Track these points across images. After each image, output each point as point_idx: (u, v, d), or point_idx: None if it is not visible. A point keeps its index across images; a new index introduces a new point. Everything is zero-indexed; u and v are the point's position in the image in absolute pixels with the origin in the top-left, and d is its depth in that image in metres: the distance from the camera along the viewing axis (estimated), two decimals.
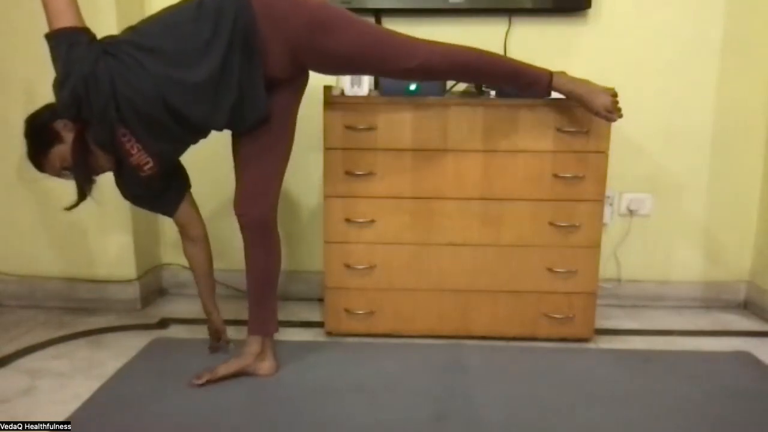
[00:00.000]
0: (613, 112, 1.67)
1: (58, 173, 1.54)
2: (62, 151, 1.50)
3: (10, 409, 1.51)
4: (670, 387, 1.66)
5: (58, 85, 1.42)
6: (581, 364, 1.80)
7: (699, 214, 2.32)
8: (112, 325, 2.09)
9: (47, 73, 2.11)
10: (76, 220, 2.22)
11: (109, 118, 1.44)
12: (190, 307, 2.29)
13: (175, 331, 2.06)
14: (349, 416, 1.49)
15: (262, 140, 1.61)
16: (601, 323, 2.10)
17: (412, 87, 1.88)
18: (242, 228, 1.65)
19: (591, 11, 2.18)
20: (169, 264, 2.46)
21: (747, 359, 1.85)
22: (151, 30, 1.49)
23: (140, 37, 1.47)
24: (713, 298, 2.37)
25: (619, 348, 1.93)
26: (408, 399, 1.57)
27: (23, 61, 2.14)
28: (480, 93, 1.99)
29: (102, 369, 1.73)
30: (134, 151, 1.52)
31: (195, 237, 1.77)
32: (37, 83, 2.15)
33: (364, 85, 1.87)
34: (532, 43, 2.22)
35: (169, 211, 1.75)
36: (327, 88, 1.85)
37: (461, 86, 2.13)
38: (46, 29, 2.12)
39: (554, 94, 1.91)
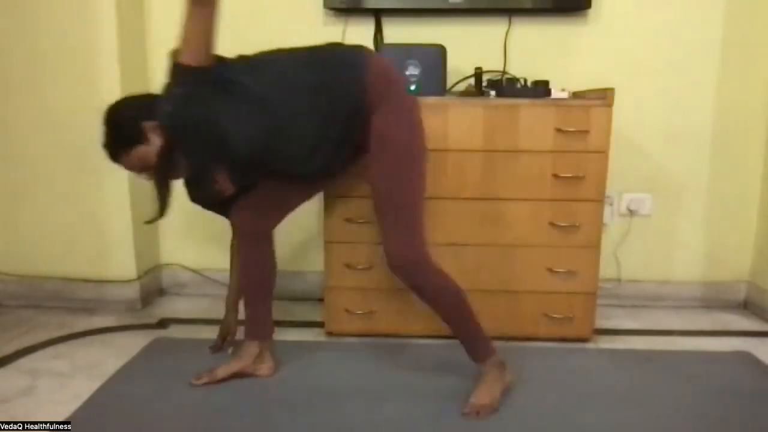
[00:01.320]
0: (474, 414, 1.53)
1: (135, 171, 1.55)
2: (145, 152, 1.49)
3: (10, 409, 1.51)
4: (670, 387, 1.66)
5: (168, 103, 1.42)
6: (581, 364, 1.79)
7: (699, 214, 2.33)
8: (112, 325, 2.09)
9: (48, 73, 2.13)
10: (76, 221, 2.23)
11: (208, 151, 1.49)
12: (190, 307, 2.30)
13: (175, 331, 2.06)
14: (348, 416, 1.49)
15: (304, 186, 1.71)
16: (601, 323, 2.10)
17: (413, 87, 1.88)
18: (240, 235, 1.67)
19: (591, 11, 2.18)
20: (169, 264, 2.46)
21: (747, 359, 1.85)
22: (267, 77, 1.46)
23: (257, 81, 1.44)
24: (713, 298, 2.37)
25: (619, 348, 1.93)
26: (408, 399, 1.57)
27: (23, 61, 2.14)
28: (480, 93, 1.99)
29: (102, 369, 1.73)
30: (220, 180, 1.57)
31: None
32: (38, 84, 2.15)
33: None
34: (532, 43, 2.22)
35: (228, 215, 1.76)
36: None
37: (461, 86, 2.14)
38: (46, 29, 2.13)
39: (555, 94, 1.92)
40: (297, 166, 1.52)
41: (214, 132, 1.43)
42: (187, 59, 1.38)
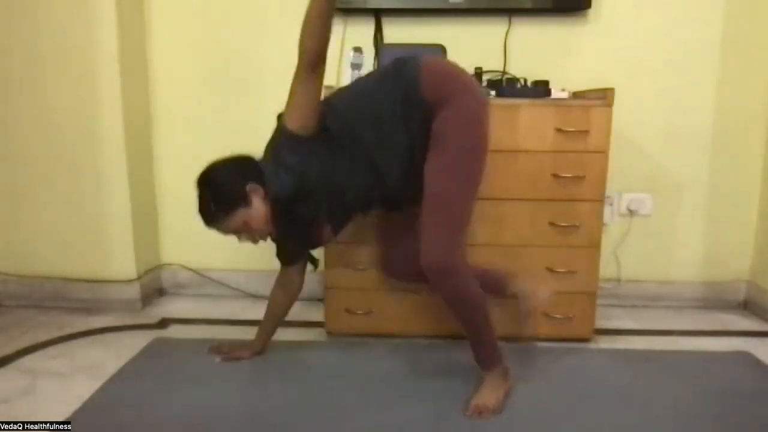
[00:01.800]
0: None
1: (231, 233, 1.53)
2: (246, 215, 1.48)
3: (10, 409, 1.51)
4: (670, 387, 1.66)
5: (283, 171, 1.46)
6: (581, 364, 1.79)
7: (699, 214, 2.33)
8: (112, 325, 2.09)
9: (48, 73, 2.13)
10: (76, 221, 2.23)
11: (321, 207, 1.52)
12: (190, 307, 2.30)
13: (175, 331, 2.06)
14: (349, 416, 1.49)
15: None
16: (601, 323, 2.09)
17: None
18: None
19: (591, 11, 2.18)
20: (169, 264, 2.46)
21: (747, 359, 1.85)
22: (356, 122, 1.49)
23: (348, 130, 1.48)
24: (713, 298, 2.37)
25: (619, 348, 1.93)
26: (408, 399, 1.57)
27: (23, 61, 2.14)
28: None
29: (102, 369, 1.73)
30: (325, 233, 1.61)
31: (292, 290, 1.78)
32: (38, 84, 2.15)
33: None
34: (532, 43, 2.22)
35: (292, 262, 1.75)
36: (327, 89, 1.85)
37: None
38: (46, 29, 2.13)
39: (555, 94, 1.92)
40: (394, 197, 1.58)
41: (328, 191, 1.48)
42: (297, 128, 1.42)
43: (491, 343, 1.55)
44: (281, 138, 1.46)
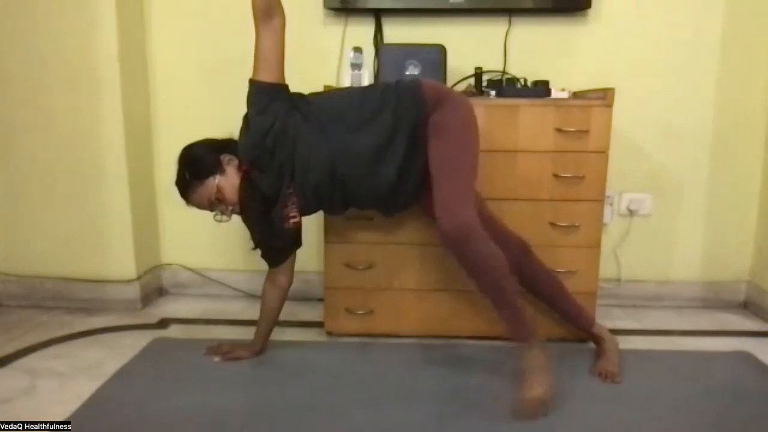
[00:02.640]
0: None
1: (206, 205, 1.59)
2: (219, 184, 1.57)
3: (10, 409, 1.51)
4: (670, 387, 1.66)
5: (248, 129, 1.54)
6: (580, 364, 1.79)
7: (699, 214, 2.33)
8: (112, 325, 2.09)
9: (48, 73, 2.13)
10: (76, 221, 2.23)
11: (284, 173, 1.55)
12: (190, 307, 2.30)
13: (175, 331, 2.06)
14: (349, 416, 1.49)
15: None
16: (601, 323, 2.08)
17: None
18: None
19: (591, 11, 2.18)
20: (169, 264, 2.46)
21: (747, 359, 1.85)
22: (336, 103, 1.59)
23: (328, 107, 1.57)
24: (713, 298, 2.37)
25: (619, 348, 1.93)
26: (408, 399, 1.57)
27: (23, 61, 2.14)
28: (480, 93, 1.99)
29: (102, 369, 1.73)
30: (289, 204, 1.61)
31: (281, 285, 1.78)
32: (38, 84, 2.15)
33: (365, 83, 1.87)
34: (532, 43, 2.22)
35: (275, 263, 1.76)
36: (327, 88, 1.85)
37: (461, 86, 2.14)
38: (46, 29, 2.13)
39: (555, 94, 1.92)
40: (365, 191, 1.60)
41: (290, 146, 1.53)
42: (262, 76, 1.51)
43: (521, 308, 1.51)
44: (249, 94, 1.54)
